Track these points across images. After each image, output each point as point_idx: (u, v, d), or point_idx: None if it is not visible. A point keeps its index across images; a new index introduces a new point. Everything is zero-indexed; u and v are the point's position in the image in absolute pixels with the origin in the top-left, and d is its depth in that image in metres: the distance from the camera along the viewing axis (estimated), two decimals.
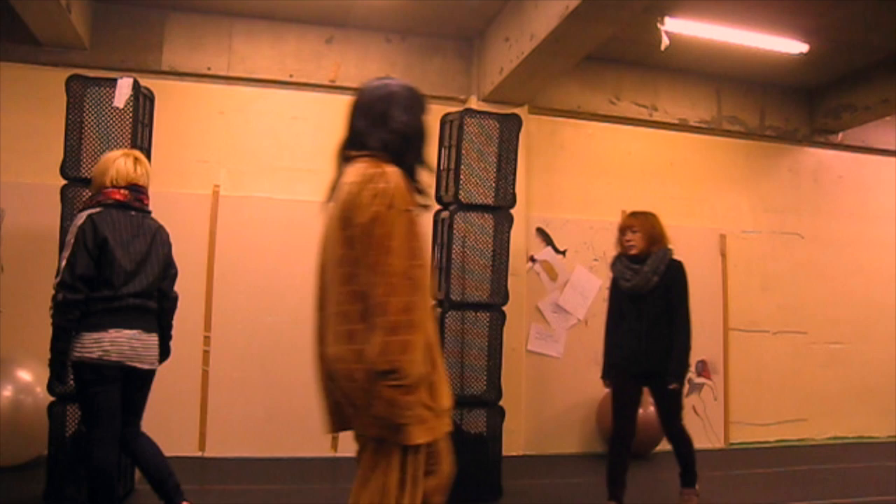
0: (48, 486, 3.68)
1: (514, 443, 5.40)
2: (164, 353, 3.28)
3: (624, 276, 3.91)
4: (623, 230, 3.95)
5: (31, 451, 4.27)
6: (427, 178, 2.01)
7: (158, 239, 3.18)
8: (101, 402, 2.99)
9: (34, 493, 3.74)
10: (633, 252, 3.87)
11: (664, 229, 3.94)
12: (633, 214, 3.99)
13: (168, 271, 3.22)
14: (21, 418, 4.13)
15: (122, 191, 3.09)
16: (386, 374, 1.74)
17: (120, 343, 2.94)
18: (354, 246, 1.80)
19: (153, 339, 3.11)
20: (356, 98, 2.04)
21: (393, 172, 1.85)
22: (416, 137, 1.99)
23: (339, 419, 1.92)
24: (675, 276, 3.85)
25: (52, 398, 3.75)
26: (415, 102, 2.01)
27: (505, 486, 4.31)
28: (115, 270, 2.96)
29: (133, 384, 3.11)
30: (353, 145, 1.97)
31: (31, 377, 4.25)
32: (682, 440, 4.02)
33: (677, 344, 3.81)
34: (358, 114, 2.00)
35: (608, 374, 4.02)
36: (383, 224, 1.77)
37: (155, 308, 3.13)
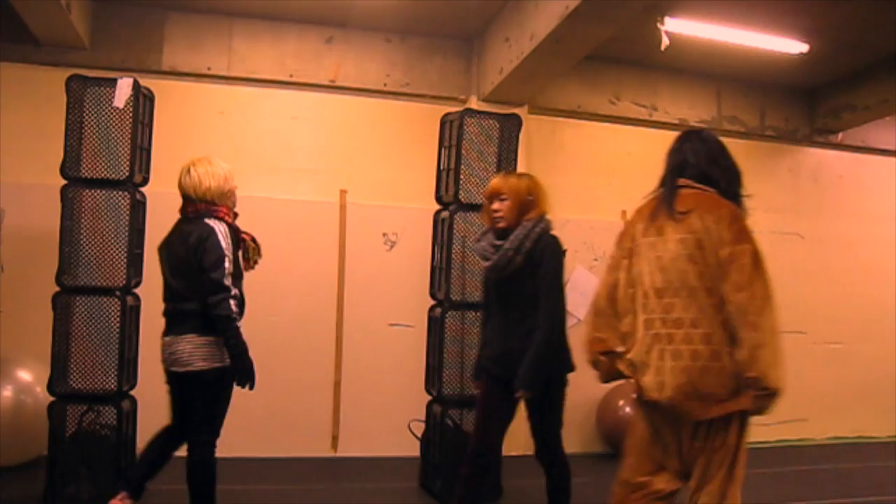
0: (48, 486, 3.68)
1: (514, 443, 5.39)
2: (234, 368, 3.04)
3: (485, 255, 3.12)
4: (490, 197, 3.13)
5: (31, 451, 4.27)
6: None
7: (187, 242, 3.09)
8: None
9: (34, 493, 3.74)
10: (501, 225, 3.07)
11: (543, 196, 3.15)
12: (505, 176, 3.23)
13: (202, 276, 3.03)
14: (21, 418, 4.13)
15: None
16: (755, 380, 2.20)
17: (162, 349, 3.21)
18: (717, 266, 2.26)
19: (184, 342, 3.08)
20: (691, 139, 2.58)
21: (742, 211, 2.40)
22: (739, 179, 2.54)
23: (698, 405, 2.28)
24: (543, 254, 3.00)
25: (52, 398, 3.75)
26: (729, 153, 2.59)
27: (505, 486, 4.32)
28: (163, 281, 3.24)
29: (178, 388, 3.18)
30: (684, 175, 2.48)
31: (31, 377, 4.25)
32: (558, 471, 3.18)
33: (536, 341, 2.94)
34: (691, 152, 2.52)
35: (479, 375, 3.31)
36: (750, 255, 2.24)
37: (191, 310, 3.09)
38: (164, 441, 3.31)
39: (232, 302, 3.00)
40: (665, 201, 2.46)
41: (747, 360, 2.21)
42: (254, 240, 3.35)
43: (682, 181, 2.47)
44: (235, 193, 3.31)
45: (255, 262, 3.38)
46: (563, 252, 3.09)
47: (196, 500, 3.10)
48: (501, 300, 3.13)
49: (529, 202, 3.09)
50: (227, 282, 3.00)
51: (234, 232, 3.21)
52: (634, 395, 2.50)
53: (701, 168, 2.48)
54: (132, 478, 3.31)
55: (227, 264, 3.02)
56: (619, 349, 2.48)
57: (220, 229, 3.08)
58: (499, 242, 3.07)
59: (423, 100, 5.74)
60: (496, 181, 3.18)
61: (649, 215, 2.51)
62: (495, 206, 3.10)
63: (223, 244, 3.05)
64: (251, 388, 3.07)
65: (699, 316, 2.29)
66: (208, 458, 3.11)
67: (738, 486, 2.30)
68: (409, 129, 5.68)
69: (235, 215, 3.31)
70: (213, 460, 3.13)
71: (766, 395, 2.22)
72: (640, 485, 2.43)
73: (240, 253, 3.26)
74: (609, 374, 2.53)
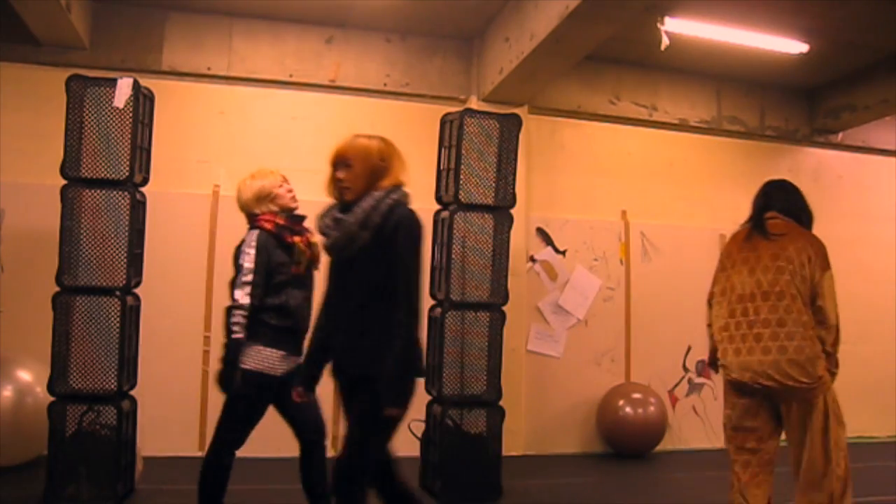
0: (48, 486, 3.68)
1: (514, 443, 5.40)
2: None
3: (325, 232, 2.59)
4: (334, 164, 2.59)
5: (31, 451, 4.27)
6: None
7: None
8: None
9: (34, 493, 3.74)
10: (348, 197, 2.53)
11: (398, 162, 2.60)
12: (352, 138, 2.64)
13: None
14: (21, 418, 4.13)
15: None
16: (831, 357, 2.99)
17: None
18: (804, 280, 2.98)
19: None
20: (774, 187, 3.25)
21: None
22: (812, 218, 3.24)
23: (786, 390, 2.96)
24: (397, 230, 2.45)
25: (52, 398, 3.75)
26: (804, 197, 3.24)
27: (505, 486, 4.31)
28: None
29: None
30: (774, 210, 3.15)
31: (31, 377, 4.24)
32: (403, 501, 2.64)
33: (395, 341, 2.40)
34: (774, 196, 3.20)
35: (304, 381, 2.74)
36: (832, 278, 3.04)
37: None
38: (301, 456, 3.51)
39: (238, 313, 3.04)
40: (758, 227, 3.12)
41: (832, 344, 3.00)
42: (308, 242, 3.22)
43: (769, 214, 3.14)
44: (284, 196, 3.24)
45: (307, 265, 3.22)
46: (421, 227, 2.53)
47: (199, 498, 3.12)
48: (341, 286, 2.58)
49: (381, 169, 2.54)
50: (238, 294, 3.06)
51: (279, 237, 3.16)
52: (728, 384, 3.11)
53: (783, 207, 3.14)
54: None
55: (242, 276, 3.07)
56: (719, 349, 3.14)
57: (252, 239, 3.12)
58: (342, 216, 2.53)
59: (423, 100, 5.74)
60: (341, 144, 2.61)
61: (744, 238, 3.16)
62: (340, 174, 2.55)
63: (246, 255, 3.09)
64: (224, 393, 3.10)
65: (784, 316, 2.93)
66: (212, 458, 3.13)
67: (839, 439, 3.01)
68: (409, 129, 5.66)
69: (296, 218, 3.26)
70: (217, 461, 3.13)
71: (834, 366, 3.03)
72: (743, 449, 3.17)
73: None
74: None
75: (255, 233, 3.13)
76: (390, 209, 2.48)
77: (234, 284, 3.09)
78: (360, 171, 2.53)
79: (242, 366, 3.05)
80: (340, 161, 2.56)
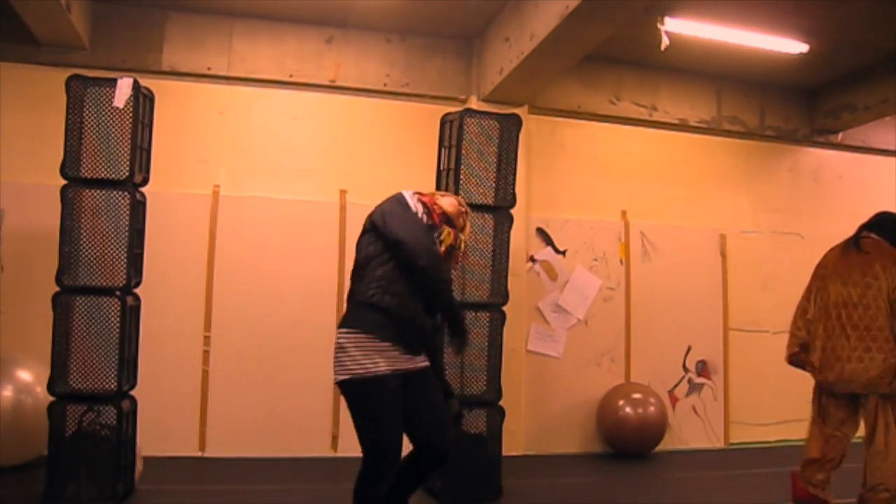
0: (48, 486, 3.68)
1: (514, 443, 5.40)
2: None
3: None
4: None
5: (31, 451, 4.27)
6: None
7: None
8: None
9: (34, 493, 3.74)
10: None
11: None
12: None
13: None
14: (21, 418, 4.13)
15: None
16: None
17: None
18: (885, 294, 3.51)
19: None
20: (887, 214, 3.86)
21: None
22: None
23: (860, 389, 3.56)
24: None
25: (52, 398, 3.75)
26: None
27: (505, 486, 4.31)
28: None
29: None
30: (871, 230, 3.76)
31: (31, 377, 4.24)
32: None
33: None
34: (879, 219, 3.81)
35: None
36: None
37: None
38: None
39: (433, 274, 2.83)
40: (854, 244, 3.72)
41: None
42: (455, 235, 3.09)
43: (865, 233, 3.72)
44: (447, 200, 3.16)
45: (448, 247, 3.00)
46: None
47: None
48: None
49: None
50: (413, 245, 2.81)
51: (429, 210, 3.00)
52: (817, 381, 3.71)
53: (881, 230, 3.71)
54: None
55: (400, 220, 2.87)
56: (807, 347, 3.75)
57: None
58: None
59: (423, 100, 5.74)
60: None
61: (840, 252, 3.77)
62: None
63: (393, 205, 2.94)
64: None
65: (871, 323, 3.52)
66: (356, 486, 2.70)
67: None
68: (409, 129, 5.68)
69: (449, 221, 3.07)
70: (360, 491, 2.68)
71: None
72: (829, 436, 3.68)
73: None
74: (799, 364, 3.83)
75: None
76: None
77: (407, 242, 2.69)
78: None
79: (335, 377, 2.70)
80: None
